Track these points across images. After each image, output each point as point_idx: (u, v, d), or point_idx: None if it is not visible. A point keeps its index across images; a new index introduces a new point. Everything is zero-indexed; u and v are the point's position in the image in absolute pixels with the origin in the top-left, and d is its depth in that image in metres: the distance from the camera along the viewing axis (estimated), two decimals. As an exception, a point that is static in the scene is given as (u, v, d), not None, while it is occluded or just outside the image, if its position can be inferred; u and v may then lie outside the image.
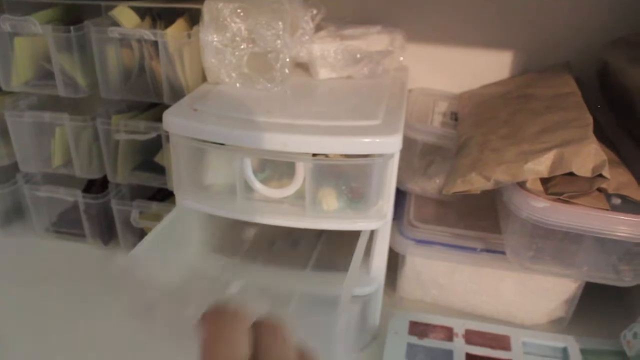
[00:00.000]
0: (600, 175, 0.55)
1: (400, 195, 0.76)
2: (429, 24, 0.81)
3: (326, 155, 0.59)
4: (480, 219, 0.72)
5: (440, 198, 0.73)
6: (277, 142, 0.58)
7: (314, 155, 0.59)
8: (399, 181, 0.70)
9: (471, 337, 0.69)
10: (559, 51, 0.78)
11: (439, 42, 0.81)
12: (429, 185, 0.72)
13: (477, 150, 0.63)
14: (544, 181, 0.59)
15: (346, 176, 0.61)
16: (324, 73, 0.72)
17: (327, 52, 0.70)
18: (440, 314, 0.73)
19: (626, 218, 0.56)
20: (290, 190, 0.60)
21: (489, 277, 0.71)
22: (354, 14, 0.80)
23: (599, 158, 0.55)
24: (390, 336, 0.69)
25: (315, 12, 0.71)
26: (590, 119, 0.61)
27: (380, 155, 0.58)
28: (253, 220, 0.62)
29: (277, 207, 0.62)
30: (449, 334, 0.70)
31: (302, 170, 0.59)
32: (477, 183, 0.59)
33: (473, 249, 0.68)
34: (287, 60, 0.68)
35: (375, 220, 0.61)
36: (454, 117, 0.77)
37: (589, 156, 0.56)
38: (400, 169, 0.65)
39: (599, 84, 0.76)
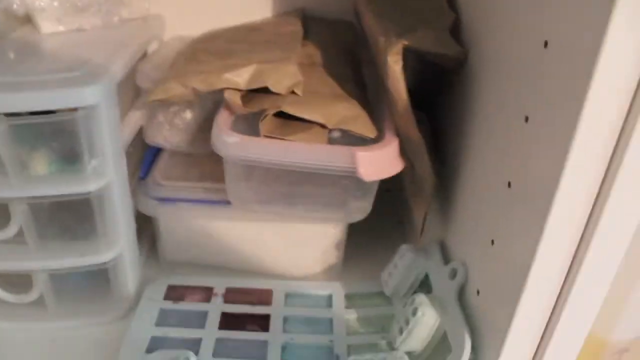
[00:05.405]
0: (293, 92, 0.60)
1: (158, 153, 0.74)
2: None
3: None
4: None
5: (191, 151, 0.71)
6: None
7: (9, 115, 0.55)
8: (146, 135, 0.68)
9: (231, 295, 0.68)
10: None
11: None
12: (176, 138, 0.70)
13: (183, 64, 0.65)
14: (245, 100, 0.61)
15: (55, 135, 0.58)
16: (47, 26, 0.68)
17: (41, 2, 0.65)
18: (206, 274, 0.71)
19: (333, 149, 0.57)
20: (-15, 157, 0.56)
21: (247, 230, 0.70)
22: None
23: (295, 78, 0.59)
24: (142, 303, 0.67)
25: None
26: (297, 48, 0.65)
27: (81, 109, 0.55)
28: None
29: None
30: (207, 294, 0.68)
31: (-4, 133, 0.55)
32: (174, 90, 0.61)
33: (222, 202, 0.67)
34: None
35: (92, 181, 0.58)
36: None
37: (286, 75, 0.59)
38: (147, 122, 0.63)
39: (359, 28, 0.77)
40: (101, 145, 0.58)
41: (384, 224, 0.77)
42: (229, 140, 0.57)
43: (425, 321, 0.56)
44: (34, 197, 0.58)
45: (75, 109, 0.55)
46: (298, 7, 0.82)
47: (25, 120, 0.55)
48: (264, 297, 0.68)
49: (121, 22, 0.72)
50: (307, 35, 0.73)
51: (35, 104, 0.54)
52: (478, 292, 0.53)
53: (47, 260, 0.62)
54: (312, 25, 0.77)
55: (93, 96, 0.55)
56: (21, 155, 0.57)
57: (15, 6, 0.66)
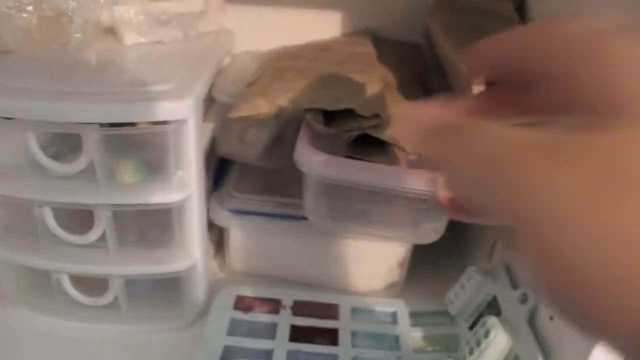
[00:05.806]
0: (378, 116, 0.59)
1: (226, 164, 0.76)
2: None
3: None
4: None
5: (262, 165, 0.73)
6: (57, 112, 0.56)
7: (103, 125, 0.57)
8: (219, 148, 0.70)
9: (299, 308, 0.70)
10: (384, 13, 0.81)
11: (264, 2, 0.80)
12: (248, 152, 0.71)
13: (269, 81, 0.66)
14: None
15: (143, 146, 0.60)
16: (130, 38, 0.70)
17: (129, 15, 0.68)
18: (272, 285, 0.73)
19: (411, 173, 0.58)
20: (79, 164, 0.58)
21: (317, 245, 0.71)
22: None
23: (380, 101, 0.61)
24: (213, 312, 0.68)
25: (117, -30, 0.68)
26: (376, 70, 0.67)
27: (172, 122, 0.57)
28: (46, 199, 0.60)
29: (71, 184, 0.60)
30: (276, 306, 0.70)
31: (89, 142, 0.57)
32: (261, 108, 0.62)
33: (294, 217, 0.68)
34: (83, 24, 0.65)
35: (176, 192, 0.60)
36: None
37: (371, 98, 0.61)
38: (220, 135, 0.65)
39: (429, 51, 0.78)
40: (187, 157, 0.60)
41: (443, 244, 0.79)
42: (315, 159, 0.58)
43: (498, 343, 0.57)
44: (119, 205, 0.60)
45: (165, 122, 0.57)
46: (364, 27, 0.83)
47: (119, 131, 0.57)
48: (331, 311, 0.69)
49: (197, 36, 0.74)
50: (378, 56, 0.75)
51: (130, 115, 0.56)
52: (552, 318, 0.54)
53: (125, 266, 0.64)
54: (380, 46, 0.78)
55: (185, 110, 0.57)
56: (111, 164, 0.59)
57: (102, 17, 0.68)
